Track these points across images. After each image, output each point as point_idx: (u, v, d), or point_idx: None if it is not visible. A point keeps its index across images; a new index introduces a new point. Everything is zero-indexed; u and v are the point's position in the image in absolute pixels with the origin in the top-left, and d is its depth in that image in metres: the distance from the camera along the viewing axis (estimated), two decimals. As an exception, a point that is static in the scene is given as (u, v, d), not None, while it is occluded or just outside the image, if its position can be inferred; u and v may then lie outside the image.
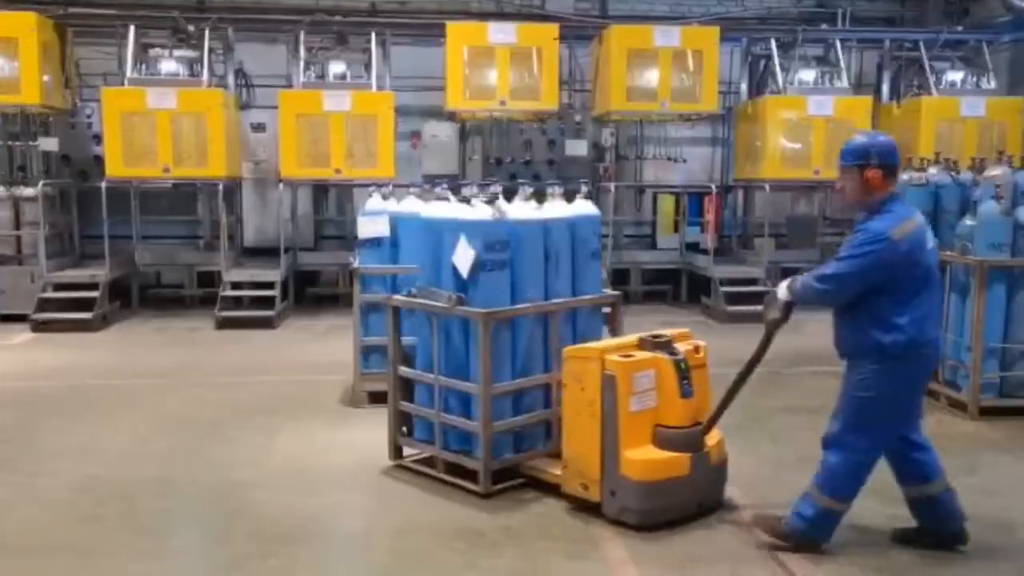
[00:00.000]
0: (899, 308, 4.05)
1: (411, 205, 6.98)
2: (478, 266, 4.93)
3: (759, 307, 4.65)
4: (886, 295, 4.06)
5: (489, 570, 4.22)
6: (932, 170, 7.74)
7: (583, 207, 5.55)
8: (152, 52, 11.13)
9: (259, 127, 11.95)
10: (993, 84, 11.99)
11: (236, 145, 11.28)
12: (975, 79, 12.05)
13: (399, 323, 5.46)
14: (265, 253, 11.67)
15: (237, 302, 10.67)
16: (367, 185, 8.64)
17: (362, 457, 5.75)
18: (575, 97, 12.94)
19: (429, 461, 5.40)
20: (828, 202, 13.06)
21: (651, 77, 11.25)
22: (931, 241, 4.19)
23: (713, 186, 12.26)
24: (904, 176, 7.79)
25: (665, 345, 4.74)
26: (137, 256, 11.40)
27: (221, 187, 10.73)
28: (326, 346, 9.24)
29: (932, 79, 11.89)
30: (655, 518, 4.53)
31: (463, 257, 4.95)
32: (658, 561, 4.26)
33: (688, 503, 4.67)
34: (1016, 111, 11.57)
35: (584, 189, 5.74)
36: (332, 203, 12.98)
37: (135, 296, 11.50)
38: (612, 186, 12.05)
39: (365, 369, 6.87)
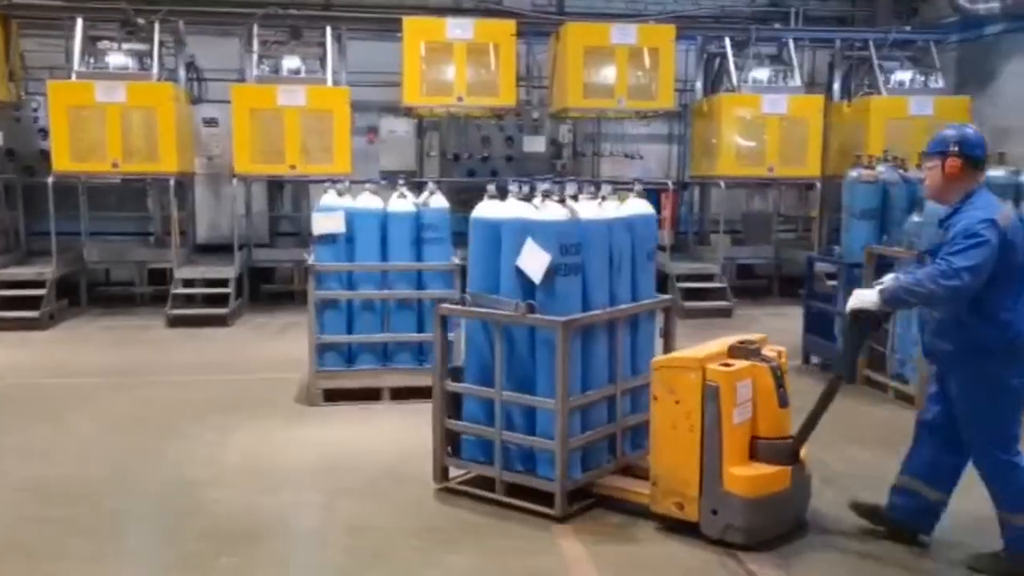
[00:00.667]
0: (1006, 300, 3.95)
1: (367, 201, 6.96)
2: (552, 271, 4.56)
3: (717, 303, 4.70)
4: (992, 287, 3.92)
5: (446, 566, 4.20)
6: (881, 168, 7.89)
7: (639, 206, 5.20)
8: (100, 45, 10.89)
9: (211, 122, 11.78)
10: (941, 83, 12.24)
11: (188, 140, 11.11)
12: (923, 78, 12.28)
13: (446, 332, 5.05)
14: (218, 250, 11.50)
15: (190, 300, 10.51)
16: (323, 181, 8.58)
17: (318, 455, 5.71)
18: (533, 93, 12.95)
19: (480, 481, 4.96)
20: (782, 199, 13.26)
21: (608, 74, 11.30)
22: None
23: (669, 183, 12.36)
24: (853, 173, 7.96)
25: (756, 352, 4.48)
26: (85, 253, 11.16)
27: (172, 182, 10.56)
28: (281, 344, 9.15)
29: (881, 78, 12.09)
30: (761, 536, 4.30)
31: (534, 261, 4.56)
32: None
33: (789, 518, 4.48)
34: (963, 110, 11.80)
35: (638, 188, 5.37)
36: (288, 199, 12.86)
37: (83, 294, 11.26)
38: (570, 182, 12.05)
39: (320, 367, 6.82)
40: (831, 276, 8.34)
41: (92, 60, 10.72)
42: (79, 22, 10.62)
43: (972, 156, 4.10)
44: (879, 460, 5.70)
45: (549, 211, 4.67)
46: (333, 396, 6.82)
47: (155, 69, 10.69)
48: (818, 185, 12.05)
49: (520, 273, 4.66)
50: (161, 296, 10.68)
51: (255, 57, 11.08)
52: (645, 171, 13.05)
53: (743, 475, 4.24)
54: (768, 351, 4.54)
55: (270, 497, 5.04)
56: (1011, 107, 11.78)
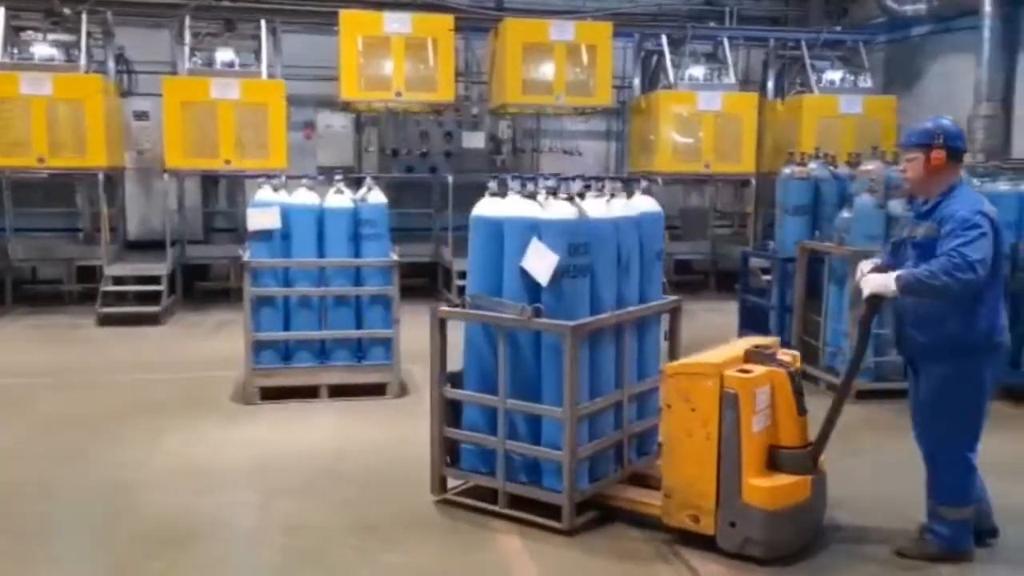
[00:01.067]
0: (988, 296, 3.98)
1: (304, 197, 6.87)
2: (560, 272, 4.34)
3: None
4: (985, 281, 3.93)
5: (383, 565, 4.18)
6: (812, 165, 8.07)
7: (646, 204, 4.99)
8: (24, 35, 10.56)
9: (142, 115, 11.51)
10: (869, 83, 12.55)
11: (117, 134, 10.83)
12: (853, 78, 12.58)
13: (445, 336, 4.74)
14: (150, 247, 11.24)
15: (120, 298, 10.26)
16: (258, 176, 8.43)
17: (254, 454, 5.62)
18: (472, 89, 12.95)
19: (478, 492, 4.77)
20: (718, 195, 13.47)
21: (546, 70, 11.34)
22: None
23: (599, 178, 12.42)
24: (786, 170, 8.12)
25: (773, 357, 4.32)
26: (10, 250, 10.80)
27: (101, 177, 10.28)
28: (216, 342, 8.99)
29: (813, 77, 12.36)
30: (782, 550, 4.11)
31: (540, 262, 4.33)
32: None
33: (809, 530, 4.29)
34: (890, 109, 12.13)
35: (644, 183, 5.21)
36: (222, 194, 12.63)
37: (9, 293, 10.90)
38: (509, 178, 12.07)
39: (256, 365, 6.71)
40: (766, 271, 8.51)
41: (16, 51, 10.37)
42: (1, 11, 10.26)
43: (955, 148, 4.10)
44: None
45: (557, 209, 4.44)
46: (270, 394, 6.72)
47: (83, 61, 10.38)
48: (753, 181, 12.27)
49: (525, 274, 4.42)
50: (91, 294, 10.40)
51: (187, 49, 10.86)
52: (584, 167, 13.11)
53: (763, 486, 4.05)
54: (784, 356, 4.38)
55: (204, 498, 4.94)
56: (936, 106, 12.08)
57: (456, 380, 4.82)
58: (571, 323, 4.29)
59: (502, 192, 4.73)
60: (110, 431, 6.06)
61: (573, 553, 4.30)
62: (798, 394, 4.21)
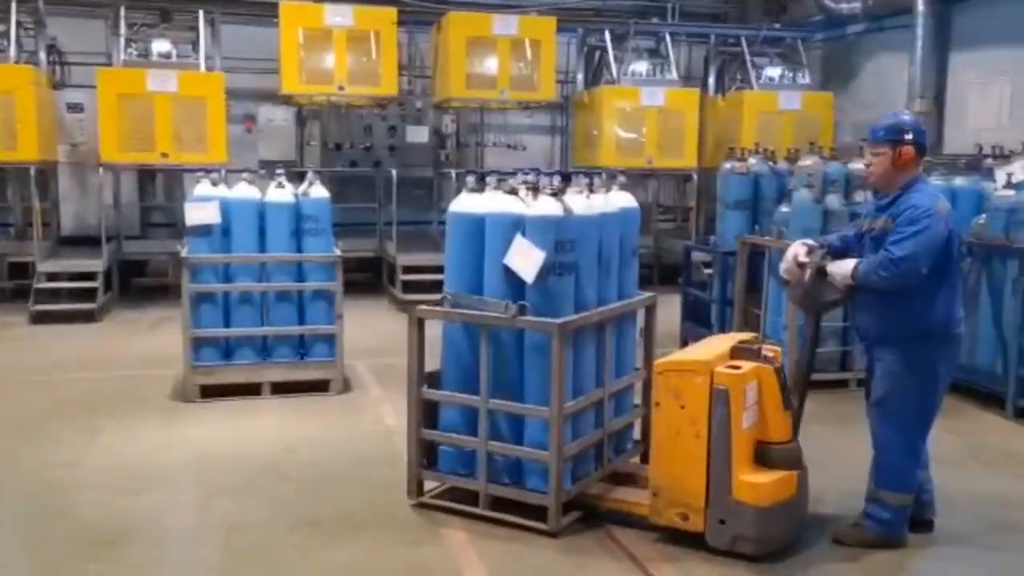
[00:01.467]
0: (945, 289, 4.10)
1: (244, 191, 6.77)
2: (546, 269, 4.27)
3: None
4: (934, 275, 4.04)
5: (325, 563, 4.15)
6: (752, 160, 8.19)
7: (624, 199, 4.95)
8: (-50, 25, 10.22)
9: (76, 108, 11.20)
10: (807, 79, 12.78)
11: (50, 127, 10.53)
12: (791, 74, 12.80)
13: (423, 336, 4.61)
14: (85, 242, 10.94)
15: (54, 295, 9.99)
16: (197, 170, 8.27)
17: (193, 453, 5.53)
18: (416, 83, 12.88)
19: (459, 495, 4.66)
20: (661, 190, 13.61)
21: (490, 65, 11.32)
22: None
23: (566, 173, 12.46)
24: (727, 165, 8.24)
25: (758, 352, 4.30)
26: (-62, 246, 10.49)
27: (33, 171, 9.99)
28: (154, 339, 8.80)
29: (753, 74, 12.56)
30: (772, 546, 4.13)
31: (526, 259, 4.26)
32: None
33: (795, 525, 4.30)
34: (828, 105, 12.39)
35: (621, 179, 5.20)
36: (160, 189, 12.38)
37: (-64, 289, 10.58)
38: (454, 172, 12.06)
39: (196, 362, 6.60)
40: (707, 265, 8.62)
41: (-60, 41, 10.03)
42: (-74, -1, 9.93)
43: (922, 144, 4.19)
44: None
45: (542, 205, 4.34)
46: (210, 392, 6.62)
47: (12, 51, 10.06)
48: (695, 176, 12.42)
49: (509, 272, 4.34)
50: (23, 291, 10.12)
51: (122, 40, 10.59)
52: (529, 162, 13.13)
53: (754, 482, 4.07)
54: (768, 351, 4.37)
55: (142, 498, 4.85)
56: (871, 103, 12.41)
57: (433, 380, 4.70)
58: (558, 321, 4.24)
59: (480, 188, 4.63)
60: (44, 431, 5.91)
61: (514, 547, 4.31)
62: (784, 389, 4.23)
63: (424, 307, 4.64)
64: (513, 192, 4.49)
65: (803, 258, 4.28)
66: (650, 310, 5.16)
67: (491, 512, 4.49)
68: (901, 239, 4.01)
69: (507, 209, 4.43)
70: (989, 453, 5.80)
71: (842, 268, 4.17)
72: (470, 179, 4.74)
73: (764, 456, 4.17)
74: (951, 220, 4.12)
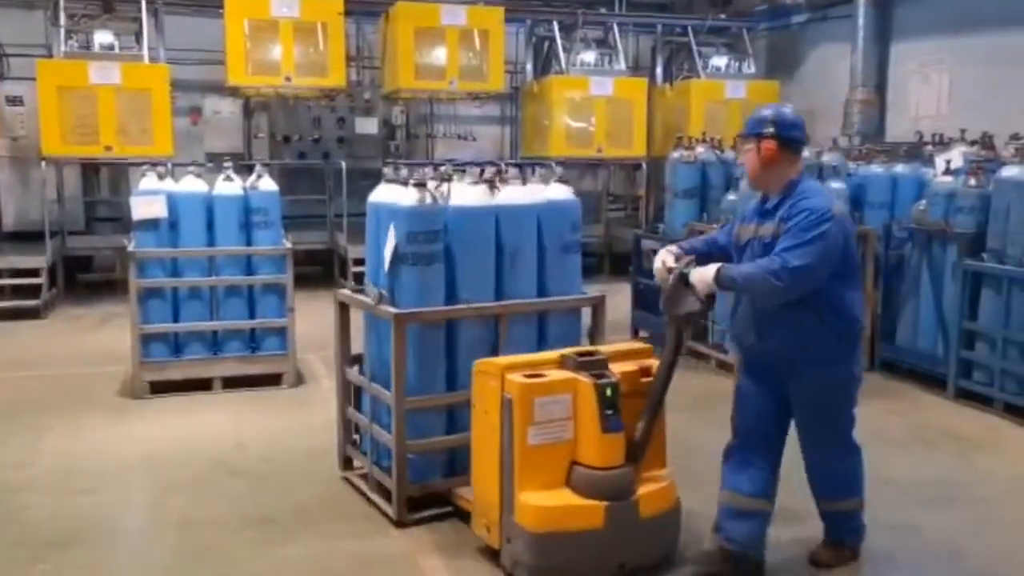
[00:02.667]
0: (847, 292, 3.77)
1: (191, 184, 6.69)
2: (398, 259, 4.30)
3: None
4: (839, 280, 3.72)
5: (280, 559, 4.15)
6: (700, 149, 8.29)
7: (556, 191, 4.76)
8: None
9: (16, 100, 10.94)
10: (753, 68, 12.97)
11: (-11, 120, 10.29)
12: (737, 64, 12.98)
13: (347, 319, 4.83)
14: (28, 238, 10.71)
15: (-3, 292, 9.78)
16: (142, 164, 8.13)
17: (144, 450, 5.47)
18: (364, 74, 12.79)
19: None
20: (611, 179, 13.71)
21: (439, 55, 11.29)
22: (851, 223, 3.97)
23: (503, 164, 12.49)
24: (675, 154, 8.33)
25: (596, 364, 3.86)
26: None
27: (-27, 166, 9.76)
28: (102, 336, 8.66)
29: (700, 63, 12.70)
30: None
31: (387, 248, 4.33)
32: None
33: (602, 562, 3.77)
34: (773, 94, 12.55)
35: (559, 171, 5.01)
36: (104, 183, 12.14)
37: None
38: (403, 164, 12.01)
39: (145, 358, 6.52)
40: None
41: None
42: None
43: (788, 138, 3.75)
44: (694, 425, 6.05)
45: (402, 195, 4.38)
46: (160, 388, 6.55)
47: (-52, 43, 9.82)
48: (644, 165, 12.53)
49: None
50: (-37, 289, 9.87)
51: (63, 31, 10.36)
52: (479, 152, 13.15)
53: (531, 504, 3.69)
54: (621, 365, 3.94)
55: (91, 497, 4.79)
56: (815, 91, 12.65)
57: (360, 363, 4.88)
58: (396, 310, 4.26)
59: (399, 178, 4.62)
60: (-12, 432, 5.79)
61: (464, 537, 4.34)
62: (606, 410, 3.73)
63: (344, 292, 4.85)
64: (421, 184, 4.41)
65: (671, 264, 3.91)
66: (595, 310, 4.83)
67: (375, 495, 4.62)
68: (797, 245, 3.57)
69: (385, 199, 4.54)
70: (932, 434, 5.97)
71: (703, 275, 3.75)
72: (387, 169, 4.79)
73: (574, 480, 3.77)
74: (847, 220, 3.79)
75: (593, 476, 3.74)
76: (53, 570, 4.00)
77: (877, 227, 7.44)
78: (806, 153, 7.30)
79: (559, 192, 4.78)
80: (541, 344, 4.60)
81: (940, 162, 7.30)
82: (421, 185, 4.38)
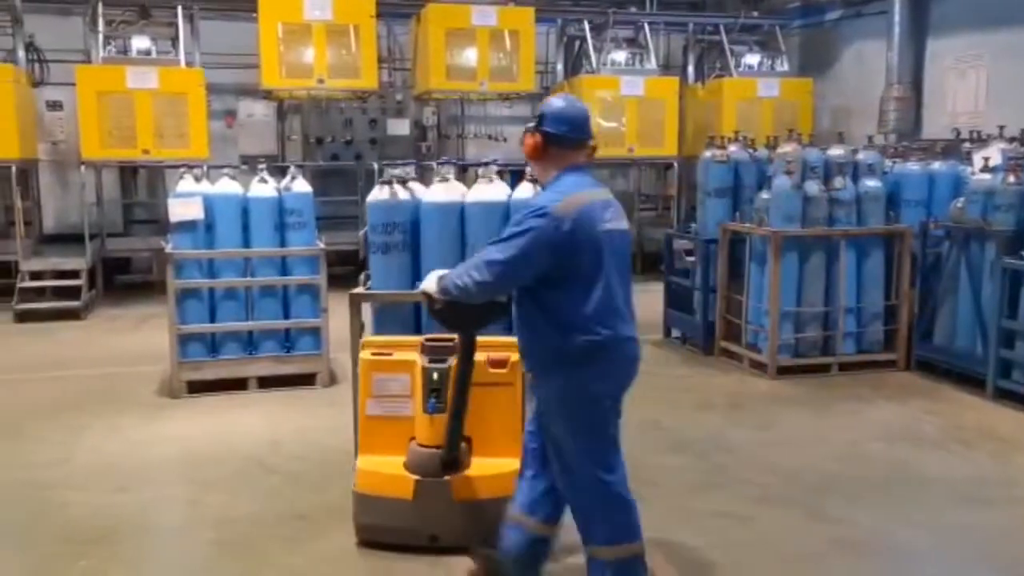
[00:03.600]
0: (576, 301, 3.30)
1: (226, 186, 6.77)
2: (368, 247, 4.79)
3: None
4: (558, 287, 3.31)
5: (313, 554, 4.19)
6: (732, 148, 8.24)
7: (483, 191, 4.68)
8: (-73, 24, 10.15)
9: (56, 105, 11.15)
10: (786, 66, 12.86)
11: (30, 125, 10.47)
12: (770, 62, 12.87)
13: (358, 313, 4.68)
14: (68, 240, 10.92)
15: (39, 294, 9.96)
16: (179, 166, 8.26)
17: (181, 449, 5.55)
18: (395, 75, 12.87)
19: None
20: (642, 179, 13.67)
21: (470, 56, 11.33)
22: (612, 222, 3.40)
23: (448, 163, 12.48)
24: (707, 153, 8.28)
25: (441, 350, 4.01)
26: (-81, 246, 10.41)
27: (14, 170, 9.94)
28: (140, 336, 8.80)
29: (732, 61, 12.61)
30: (372, 535, 4.16)
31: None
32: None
33: (413, 531, 4.06)
34: (806, 92, 12.48)
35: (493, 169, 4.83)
36: (142, 186, 12.34)
37: (-82, 290, 10.50)
38: (435, 164, 12.06)
39: (183, 358, 6.62)
40: (689, 252, 8.68)
41: (-83, 39, 9.96)
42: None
43: (550, 134, 3.44)
44: (728, 424, 6.04)
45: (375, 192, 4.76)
46: (197, 388, 6.64)
47: (-10, 50, 10.03)
48: (675, 165, 12.48)
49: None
50: (6, 290, 10.07)
51: (101, 37, 10.55)
52: (509, 153, 13.18)
53: (360, 467, 4.19)
54: (479, 354, 3.88)
55: (130, 494, 4.87)
56: (850, 89, 12.53)
57: None
58: (352, 291, 4.59)
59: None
60: (30, 430, 5.91)
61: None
62: (431, 392, 3.96)
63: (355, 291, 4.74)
64: (387, 183, 4.69)
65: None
66: None
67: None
68: (502, 239, 3.30)
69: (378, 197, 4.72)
70: (969, 434, 5.89)
71: (427, 281, 3.57)
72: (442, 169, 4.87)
73: (408, 453, 4.09)
74: (582, 218, 3.28)
75: (413, 451, 4.08)
76: (95, 565, 4.08)
77: (914, 225, 7.35)
78: (840, 151, 7.36)
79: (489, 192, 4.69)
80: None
81: (978, 159, 7.19)
82: (387, 183, 4.68)
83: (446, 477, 4.02)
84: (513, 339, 3.75)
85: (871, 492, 4.87)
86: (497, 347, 4.12)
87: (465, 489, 4.04)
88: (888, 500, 4.77)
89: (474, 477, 4.07)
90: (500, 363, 4.12)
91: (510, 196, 4.64)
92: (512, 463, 3.93)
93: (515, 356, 3.99)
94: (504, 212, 4.56)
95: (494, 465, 4.08)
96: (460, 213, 4.61)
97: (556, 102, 3.60)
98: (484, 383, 4.03)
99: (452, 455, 4.00)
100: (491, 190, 4.68)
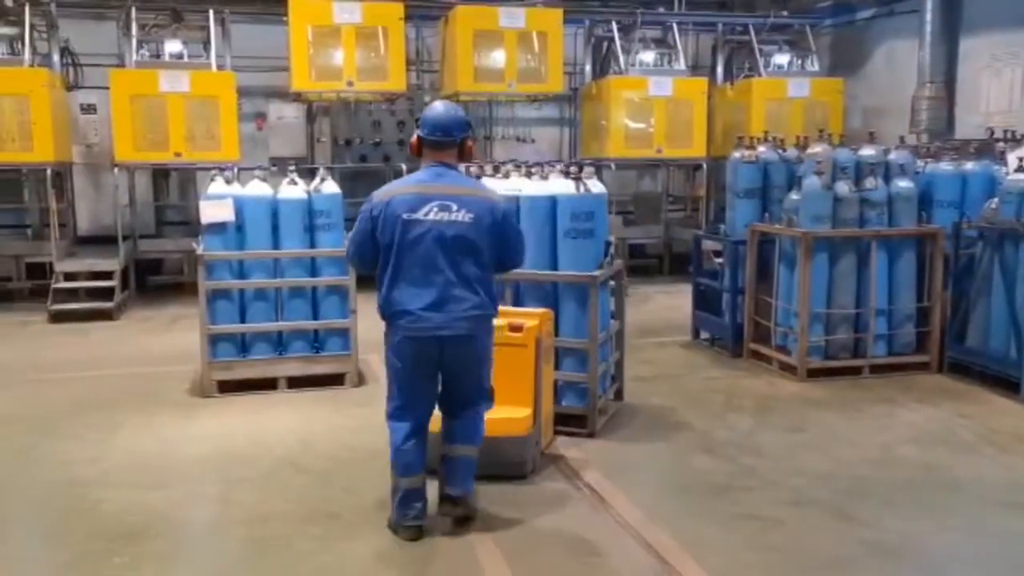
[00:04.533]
0: (383, 274, 4.20)
1: (257, 188, 6.84)
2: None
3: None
4: (383, 265, 4.19)
5: (345, 552, 4.22)
6: (761, 148, 8.19)
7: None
8: (-35, 29, 10.33)
9: (89, 108, 11.31)
10: (816, 66, 12.75)
11: (64, 128, 10.64)
12: (800, 61, 12.77)
13: None
14: (102, 241, 11.08)
15: (72, 294, 10.11)
16: (210, 168, 8.35)
17: (212, 448, 5.61)
18: (424, 78, 12.92)
19: None
20: (671, 179, 13.62)
21: (498, 58, 11.35)
22: (435, 214, 4.13)
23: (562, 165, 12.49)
24: (736, 154, 8.24)
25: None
26: (-43, 248, 10.61)
27: (49, 172, 10.11)
28: (171, 336, 8.90)
29: (761, 61, 12.53)
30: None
31: None
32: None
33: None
34: (837, 91, 12.36)
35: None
36: (174, 188, 12.49)
37: (-44, 291, 10.70)
38: (462, 166, 12.08)
39: (213, 358, 6.69)
40: (718, 254, 8.63)
41: (-44, 45, 10.15)
42: (-59, 4, 10.04)
43: (421, 136, 4.25)
44: (758, 427, 6.00)
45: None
46: (227, 387, 6.70)
47: (27, 54, 10.18)
48: (704, 165, 12.43)
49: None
50: (42, 291, 10.24)
51: (134, 41, 10.69)
52: (537, 154, 13.18)
53: None
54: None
55: (162, 492, 4.93)
56: (882, 88, 12.41)
57: None
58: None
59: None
60: (65, 428, 6.00)
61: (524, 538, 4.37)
62: None
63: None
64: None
65: None
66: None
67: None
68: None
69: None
70: (1003, 437, 5.81)
71: None
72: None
73: None
74: (395, 205, 4.13)
75: None
76: (130, 562, 4.13)
77: (946, 226, 7.27)
78: (872, 151, 7.28)
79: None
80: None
81: (1012, 159, 7.10)
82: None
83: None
84: (531, 309, 5.03)
85: (904, 496, 4.82)
86: (518, 315, 5.05)
87: (495, 428, 4.65)
88: (921, 505, 4.72)
89: (498, 419, 4.69)
90: (517, 328, 4.94)
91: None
92: (523, 411, 4.93)
93: (531, 323, 5.00)
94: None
95: (507, 412, 4.84)
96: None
97: (430, 108, 4.35)
98: (503, 344, 4.74)
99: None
100: (547, 186, 5.86)
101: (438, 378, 4.31)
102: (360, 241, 4.24)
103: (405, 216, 4.10)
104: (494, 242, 4.23)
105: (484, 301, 4.21)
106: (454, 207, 4.14)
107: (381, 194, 4.22)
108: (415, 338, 4.17)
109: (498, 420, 4.69)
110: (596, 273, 5.62)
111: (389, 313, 4.21)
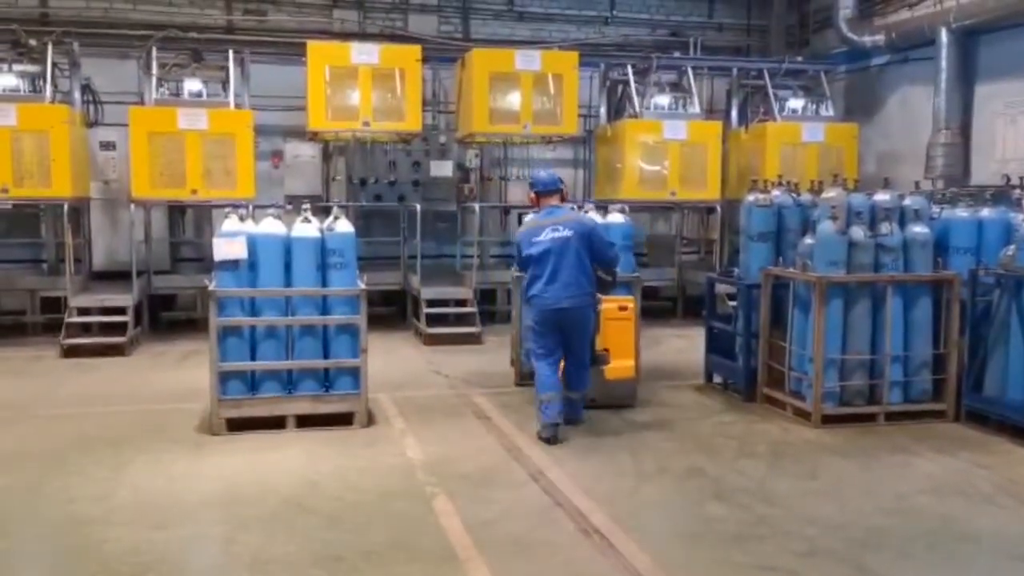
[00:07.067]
0: (528, 273, 6.73)
1: (270, 226, 6.86)
2: None
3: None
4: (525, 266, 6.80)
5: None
6: (776, 192, 8.17)
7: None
8: (-12, 66, 10.49)
9: (108, 145, 11.44)
10: (831, 111, 12.78)
11: (83, 164, 10.76)
12: (815, 106, 12.82)
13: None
14: (116, 277, 11.13)
15: (85, 329, 10.14)
16: (226, 206, 8.40)
17: (219, 487, 5.56)
18: (439, 118, 13.03)
19: None
20: (685, 222, 13.61)
21: (513, 100, 11.42)
22: (552, 234, 6.58)
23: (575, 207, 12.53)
24: (750, 197, 8.23)
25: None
26: (-27, 281, 10.68)
27: (66, 208, 10.20)
28: (182, 373, 8.90)
29: (776, 106, 12.56)
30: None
31: None
32: None
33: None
34: (851, 136, 12.37)
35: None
36: (189, 224, 12.57)
37: (-29, 324, 10.76)
38: (477, 206, 12.16)
39: (223, 395, 6.66)
40: (731, 297, 8.58)
41: (-21, 81, 10.30)
42: (-35, 42, 10.21)
43: (536, 191, 6.96)
44: (771, 473, 5.90)
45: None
46: (236, 425, 6.67)
47: (48, 91, 10.33)
48: (718, 208, 12.42)
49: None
50: (55, 325, 10.27)
51: (154, 80, 10.83)
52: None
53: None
54: (610, 303, 7.26)
55: (168, 532, 4.87)
56: (897, 134, 12.42)
57: None
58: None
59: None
60: (72, 465, 5.96)
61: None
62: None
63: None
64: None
65: None
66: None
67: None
68: None
69: None
70: (1022, 488, 5.68)
71: None
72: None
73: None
74: (527, 233, 6.79)
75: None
76: (129, 603, 4.07)
77: (962, 272, 7.20)
78: (887, 196, 7.26)
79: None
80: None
81: (1029, 206, 7.04)
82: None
83: (601, 367, 7.20)
84: (622, 296, 7.54)
85: (920, 548, 4.72)
86: (621, 300, 7.42)
87: (608, 373, 7.28)
88: (938, 557, 4.62)
89: (608, 368, 7.26)
90: (624, 307, 7.39)
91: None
92: (628, 362, 7.43)
93: (631, 304, 7.54)
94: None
95: (620, 363, 7.32)
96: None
97: (536, 174, 7.38)
98: (613, 318, 7.25)
99: (597, 357, 7.07)
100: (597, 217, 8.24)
101: (561, 336, 6.67)
102: (517, 256, 6.98)
103: (534, 239, 6.66)
104: (590, 248, 6.64)
105: (586, 288, 6.63)
106: (561, 228, 6.64)
107: (522, 227, 7.08)
108: (545, 309, 6.61)
109: (614, 367, 7.25)
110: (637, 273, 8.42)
111: (530, 295, 6.71)
